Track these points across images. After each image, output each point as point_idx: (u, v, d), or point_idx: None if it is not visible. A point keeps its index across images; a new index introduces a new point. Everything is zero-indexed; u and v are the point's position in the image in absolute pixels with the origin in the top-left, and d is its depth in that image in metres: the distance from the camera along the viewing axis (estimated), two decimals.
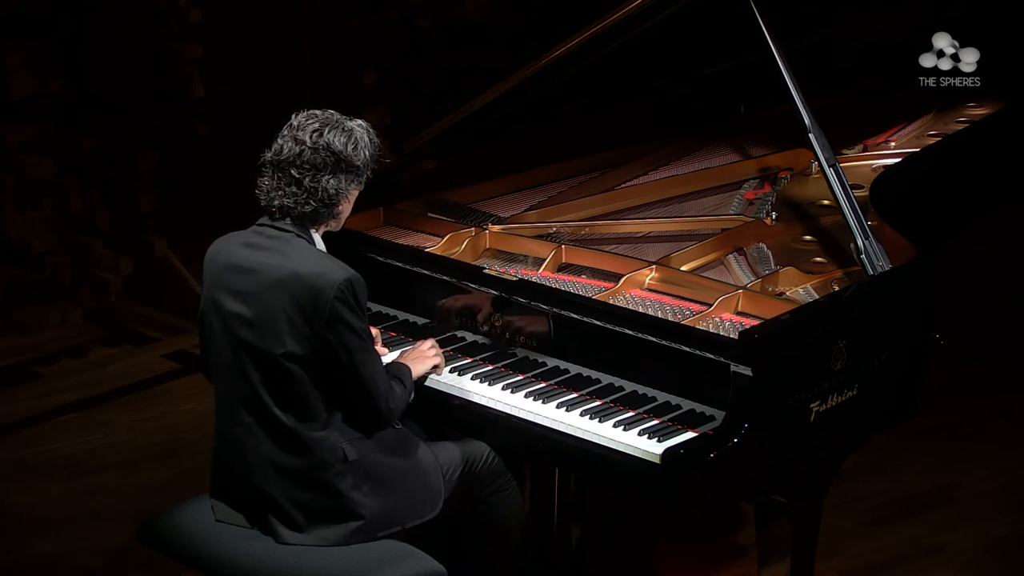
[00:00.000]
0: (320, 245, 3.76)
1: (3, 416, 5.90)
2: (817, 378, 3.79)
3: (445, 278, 4.18)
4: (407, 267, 4.24)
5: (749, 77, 4.86)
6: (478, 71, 7.18)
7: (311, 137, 3.71)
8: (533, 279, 4.16)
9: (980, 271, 6.78)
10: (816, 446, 3.84)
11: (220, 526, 3.81)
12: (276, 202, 3.72)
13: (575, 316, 3.96)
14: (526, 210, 4.57)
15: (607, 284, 4.13)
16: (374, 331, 4.06)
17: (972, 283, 6.55)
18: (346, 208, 3.78)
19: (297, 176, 3.69)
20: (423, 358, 3.98)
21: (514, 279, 4.10)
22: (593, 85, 4.80)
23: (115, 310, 6.74)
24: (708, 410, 3.79)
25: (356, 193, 3.79)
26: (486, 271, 4.14)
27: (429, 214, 4.55)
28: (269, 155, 3.73)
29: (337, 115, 3.76)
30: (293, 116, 3.76)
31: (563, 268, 4.29)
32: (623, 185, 4.74)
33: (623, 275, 4.13)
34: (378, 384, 3.72)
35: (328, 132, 3.71)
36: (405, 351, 4.03)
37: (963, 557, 4.98)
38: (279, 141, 3.74)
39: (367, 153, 3.76)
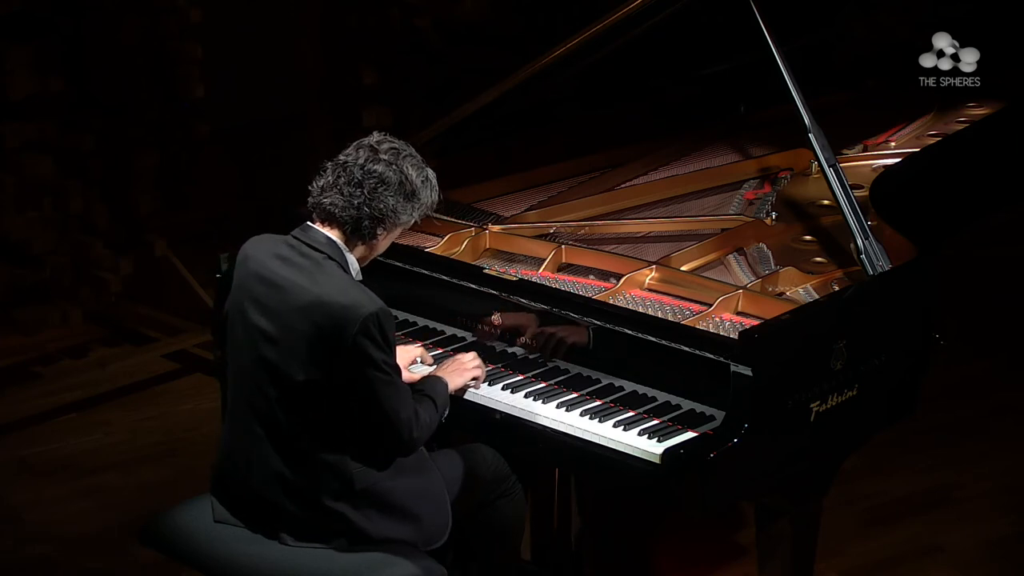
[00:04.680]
0: (354, 268, 3.67)
1: (3, 416, 5.90)
2: (817, 378, 3.78)
3: (445, 278, 4.18)
4: (407, 267, 4.24)
5: (749, 77, 4.86)
6: (478, 71, 7.18)
7: (388, 154, 3.65)
8: (533, 279, 4.15)
9: (980, 271, 6.77)
10: (816, 446, 3.84)
11: (220, 526, 3.80)
12: (326, 199, 3.63)
13: (575, 316, 3.96)
14: (526, 210, 4.56)
15: (607, 284, 4.13)
16: (418, 350, 4.02)
17: (972, 283, 6.55)
18: (383, 239, 3.70)
19: (360, 177, 3.61)
20: (462, 370, 3.89)
21: (514, 279, 4.10)
22: (593, 85, 4.80)
23: (115, 310, 6.74)
24: (708, 410, 3.79)
25: (398, 231, 3.72)
26: (486, 271, 4.14)
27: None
28: (339, 156, 3.66)
29: (415, 152, 3.72)
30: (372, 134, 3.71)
31: (563, 268, 4.29)
32: (623, 185, 4.74)
33: (623, 275, 4.12)
34: (400, 415, 3.60)
35: (406, 158, 3.67)
36: (444, 364, 3.93)
37: (963, 557, 4.98)
38: (351, 148, 3.68)
39: (432, 197, 3.71)
